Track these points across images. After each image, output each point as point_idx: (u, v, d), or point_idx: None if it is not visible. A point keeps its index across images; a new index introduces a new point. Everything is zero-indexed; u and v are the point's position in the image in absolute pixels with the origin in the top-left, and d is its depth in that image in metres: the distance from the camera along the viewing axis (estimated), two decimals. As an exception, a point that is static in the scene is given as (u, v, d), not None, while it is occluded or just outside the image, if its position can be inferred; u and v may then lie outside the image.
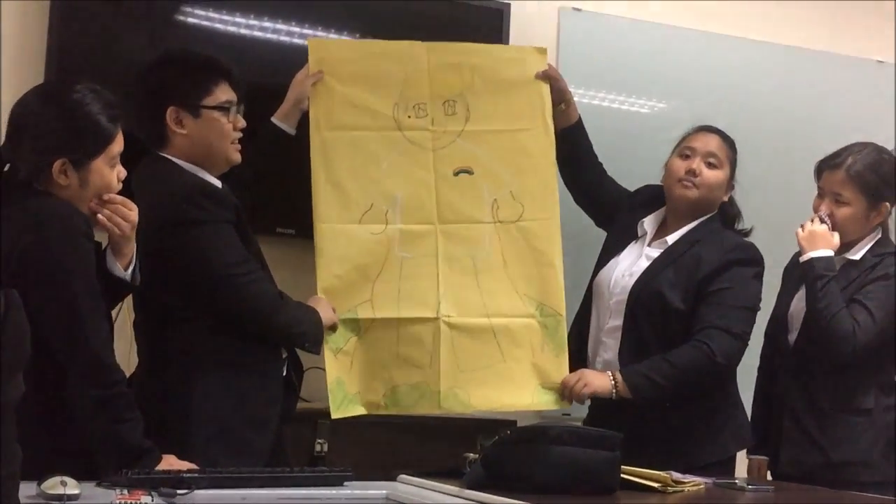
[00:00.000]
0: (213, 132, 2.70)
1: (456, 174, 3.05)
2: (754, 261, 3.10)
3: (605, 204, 3.33)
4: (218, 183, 2.74)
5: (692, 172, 3.10)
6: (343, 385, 2.86)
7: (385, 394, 2.91)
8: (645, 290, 3.05)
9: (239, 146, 2.75)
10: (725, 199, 3.17)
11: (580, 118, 3.27)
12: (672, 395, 2.95)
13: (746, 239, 3.17)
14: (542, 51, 3.20)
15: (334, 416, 2.83)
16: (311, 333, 2.77)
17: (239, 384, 2.65)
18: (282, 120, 2.98)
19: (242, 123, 2.74)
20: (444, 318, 2.98)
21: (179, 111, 2.69)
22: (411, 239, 3.00)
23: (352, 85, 2.98)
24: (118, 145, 2.41)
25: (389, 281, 2.96)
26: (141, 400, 2.47)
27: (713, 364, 2.95)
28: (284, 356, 2.80)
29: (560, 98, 3.19)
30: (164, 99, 2.69)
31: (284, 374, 2.81)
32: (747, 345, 3.05)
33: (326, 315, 2.83)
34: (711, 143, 3.15)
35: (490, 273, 3.04)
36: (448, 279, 3.00)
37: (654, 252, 3.13)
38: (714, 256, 3.05)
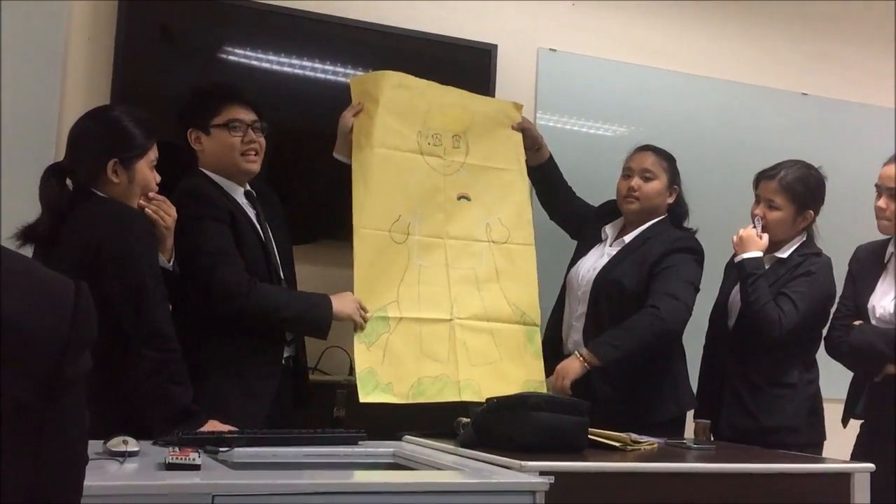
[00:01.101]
0: (222, 146, 2.71)
1: (458, 199, 3.03)
2: (695, 249, 3.12)
3: (576, 219, 3.35)
4: (238, 190, 2.74)
5: (632, 189, 3.13)
6: (375, 375, 2.75)
7: (412, 385, 2.80)
8: (605, 279, 3.07)
9: (254, 157, 2.73)
10: (670, 201, 3.18)
11: (551, 155, 3.32)
12: (632, 355, 2.94)
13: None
14: (519, 106, 3.24)
15: (363, 400, 2.70)
16: (307, 318, 2.70)
17: (238, 361, 2.62)
18: (338, 153, 2.94)
19: (251, 137, 2.72)
20: (456, 319, 2.93)
21: (196, 131, 2.73)
22: (426, 249, 2.93)
23: (386, 110, 2.93)
24: (154, 152, 2.47)
25: (411, 285, 2.88)
26: None
27: (661, 322, 2.95)
28: (290, 338, 2.75)
29: (533, 143, 3.24)
30: (186, 123, 2.74)
31: (293, 354, 2.76)
32: (691, 312, 3.04)
33: (341, 307, 2.72)
34: (645, 160, 3.17)
35: (488, 284, 3.00)
36: (456, 287, 2.95)
37: (614, 250, 3.15)
38: (661, 247, 3.07)
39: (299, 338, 2.82)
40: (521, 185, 3.15)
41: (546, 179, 3.32)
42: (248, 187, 2.79)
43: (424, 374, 2.82)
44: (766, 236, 3.09)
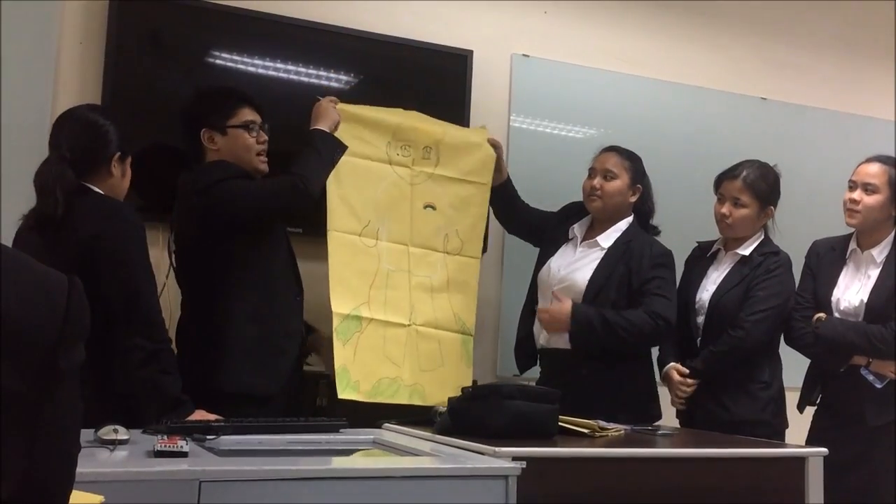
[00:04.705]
0: (239, 146, 2.71)
1: (424, 207, 3.05)
2: (671, 264, 3.13)
3: (536, 229, 3.35)
4: None
5: (594, 188, 3.14)
6: (347, 372, 2.79)
7: (374, 385, 2.84)
8: (599, 284, 3.05)
9: (265, 158, 2.74)
10: (633, 199, 3.17)
11: (509, 175, 3.33)
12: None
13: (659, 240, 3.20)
14: (484, 128, 3.30)
15: (340, 396, 2.75)
16: (331, 157, 2.78)
17: (263, 321, 2.65)
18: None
19: (264, 138, 2.74)
20: (413, 325, 2.96)
21: (210, 132, 2.70)
22: (393, 255, 2.97)
23: (356, 123, 2.94)
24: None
25: (380, 288, 2.92)
26: (185, 340, 2.56)
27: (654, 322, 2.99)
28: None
29: (497, 164, 3.25)
30: (198, 123, 2.70)
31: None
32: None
33: (328, 121, 2.81)
34: (608, 160, 3.17)
35: (439, 293, 3.04)
36: (415, 293, 2.98)
37: (589, 251, 3.14)
38: (646, 262, 3.06)
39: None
40: (481, 200, 3.17)
41: (507, 197, 3.34)
42: None
43: (384, 375, 2.87)
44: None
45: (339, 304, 2.83)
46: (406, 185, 3.02)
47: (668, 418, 3.18)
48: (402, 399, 2.86)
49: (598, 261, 3.10)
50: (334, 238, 2.86)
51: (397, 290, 2.95)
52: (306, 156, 2.73)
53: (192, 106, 2.76)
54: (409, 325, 2.96)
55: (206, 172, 2.66)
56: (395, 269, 2.96)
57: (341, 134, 2.89)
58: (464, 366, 3.05)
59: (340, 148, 2.81)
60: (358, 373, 2.81)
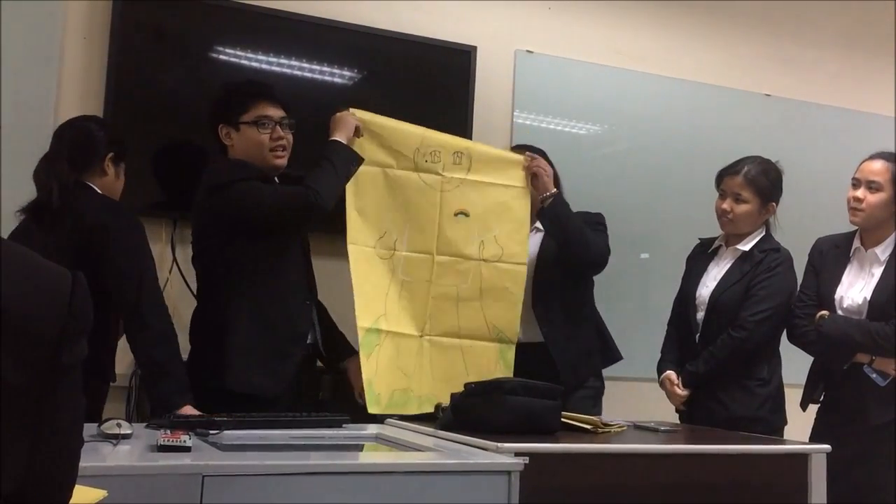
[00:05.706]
0: (250, 142, 2.69)
1: (455, 215, 2.95)
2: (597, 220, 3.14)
3: None
4: None
5: None
6: (372, 386, 2.73)
7: (389, 396, 2.78)
8: (544, 261, 3.10)
9: (282, 154, 2.70)
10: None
11: None
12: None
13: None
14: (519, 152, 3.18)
15: (370, 412, 2.69)
16: (348, 172, 2.75)
17: (270, 323, 2.64)
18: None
19: (279, 134, 2.69)
20: (426, 336, 2.88)
21: (226, 127, 2.70)
22: (412, 265, 2.88)
23: (381, 130, 2.87)
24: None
25: (395, 299, 2.85)
26: (196, 333, 2.60)
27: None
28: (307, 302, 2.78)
29: None
30: (215, 119, 2.71)
31: (312, 341, 2.77)
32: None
33: (344, 132, 2.75)
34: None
35: (468, 302, 2.94)
36: (434, 303, 2.89)
37: (533, 235, 3.15)
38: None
39: (320, 323, 2.84)
40: (521, 204, 3.04)
41: None
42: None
43: (396, 386, 2.80)
44: None
45: (362, 318, 2.75)
46: (434, 193, 2.93)
47: (668, 415, 3.18)
48: (412, 410, 2.77)
49: (540, 239, 3.12)
50: (353, 251, 2.78)
51: (412, 301, 2.87)
52: (322, 168, 2.69)
53: (213, 102, 2.77)
54: (420, 336, 2.88)
55: (222, 171, 2.65)
56: (413, 280, 2.88)
57: (365, 143, 2.83)
58: (499, 373, 2.93)
59: (356, 160, 2.75)
60: (379, 386, 2.76)
